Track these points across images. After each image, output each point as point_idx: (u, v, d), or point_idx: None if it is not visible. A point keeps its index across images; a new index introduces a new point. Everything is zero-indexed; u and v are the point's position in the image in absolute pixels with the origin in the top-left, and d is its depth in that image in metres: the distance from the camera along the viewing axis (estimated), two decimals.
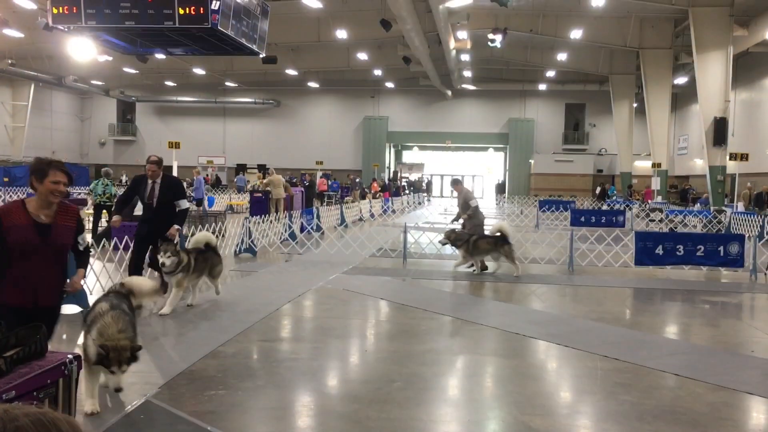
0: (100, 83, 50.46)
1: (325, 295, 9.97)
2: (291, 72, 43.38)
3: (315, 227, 18.90)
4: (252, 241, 14.28)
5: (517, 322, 8.26)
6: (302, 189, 26.86)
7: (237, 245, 14.38)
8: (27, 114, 47.55)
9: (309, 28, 35.46)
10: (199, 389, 5.47)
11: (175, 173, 24.62)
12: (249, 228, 14.33)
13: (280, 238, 16.23)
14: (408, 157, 59.98)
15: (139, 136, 55.52)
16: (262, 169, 44.13)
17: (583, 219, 23.60)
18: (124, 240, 10.76)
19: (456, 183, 14.03)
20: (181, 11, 12.78)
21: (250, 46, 14.55)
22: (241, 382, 5.68)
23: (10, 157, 46.46)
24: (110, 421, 4.68)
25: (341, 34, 33.94)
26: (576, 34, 33.77)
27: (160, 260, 8.12)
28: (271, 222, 16.21)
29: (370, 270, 12.60)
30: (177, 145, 27.07)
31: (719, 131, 28.51)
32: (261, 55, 15.92)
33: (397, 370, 6.19)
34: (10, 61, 40.13)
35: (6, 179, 40.55)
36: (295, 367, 6.20)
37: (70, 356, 3.90)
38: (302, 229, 17.86)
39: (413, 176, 57.98)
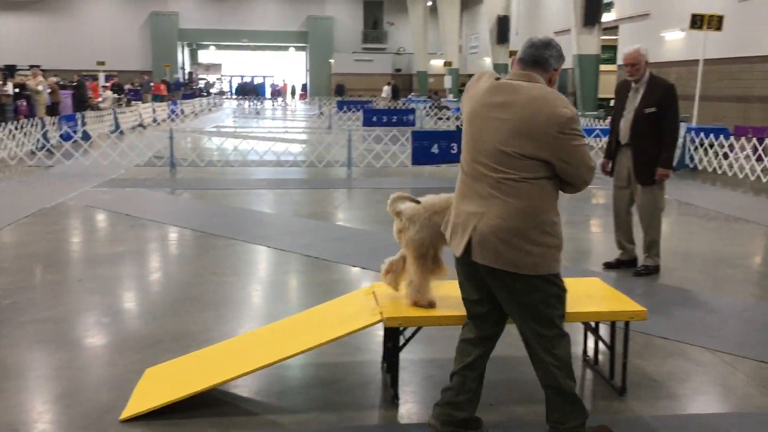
0: None
1: (59, 215, 8.69)
2: None
3: (82, 135, 16.93)
4: None
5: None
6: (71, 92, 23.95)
7: None
8: None
9: None
10: None
11: None
12: None
13: (23, 148, 14.22)
14: (204, 57, 56.58)
15: None
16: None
17: (375, 119, 23.44)
18: None
19: None
20: None
21: None
22: None
23: None
24: None
25: None
26: None
27: None
28: (10, 131, 14.12)
29: (129, 182, 11.35)
30: None
31: (502, 29, 29.39)
32: None
33: (102, 299, 5.34)
34: None
35: None
36: None
37: None
38: (67, 138, 15.86)
39: (210, 77, 54.99)
